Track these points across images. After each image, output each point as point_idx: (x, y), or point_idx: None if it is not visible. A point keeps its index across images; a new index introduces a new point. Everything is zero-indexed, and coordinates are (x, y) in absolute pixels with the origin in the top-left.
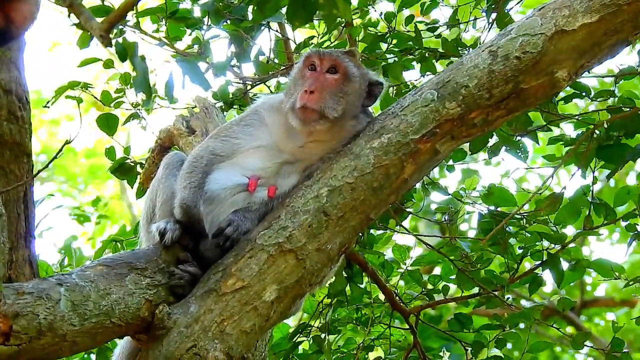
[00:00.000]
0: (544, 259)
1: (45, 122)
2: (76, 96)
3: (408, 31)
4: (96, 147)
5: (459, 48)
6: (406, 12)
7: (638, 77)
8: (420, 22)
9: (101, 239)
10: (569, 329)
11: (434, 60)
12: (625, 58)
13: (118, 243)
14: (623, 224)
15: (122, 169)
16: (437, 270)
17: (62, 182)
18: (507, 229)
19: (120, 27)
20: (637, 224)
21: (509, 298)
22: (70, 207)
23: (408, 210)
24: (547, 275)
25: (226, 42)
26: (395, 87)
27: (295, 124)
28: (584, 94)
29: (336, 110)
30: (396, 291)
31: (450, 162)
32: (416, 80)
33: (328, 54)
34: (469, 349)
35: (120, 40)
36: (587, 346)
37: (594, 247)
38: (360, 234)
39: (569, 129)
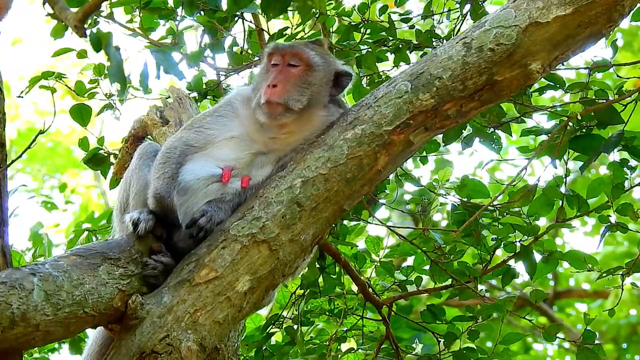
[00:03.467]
0: (516, 251)
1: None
2: (50, 86)
3: (382, 21)
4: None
5: (433, 39)
6: (380, 3)
7: (614, 69)
8: (394, 12)
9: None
10: (542, 320)
11: (407, 52)
12: (601, 50)
13: (91, 232)
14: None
15: (96, 160)
16: (409, 261)
17: (37, 170)
18: (480, 220)
19: (95, 17)
20: (610, 216)
21: (481, 289)
22: (42, 194)
23: (381, 201)
24: (520, 267)
25: (200, 32)
26: (368, 77)
27: (262, 119)
28: (557, 85)
29: (300, 101)
30: (369, 282)
31: (424, 154)
32: (389, 70)
33: (287, 47)
34: (442, 340)
35: (94, 30)
36: (559, 338)
37: (567, 238)
38: (334, 225)
39: (543, 121)
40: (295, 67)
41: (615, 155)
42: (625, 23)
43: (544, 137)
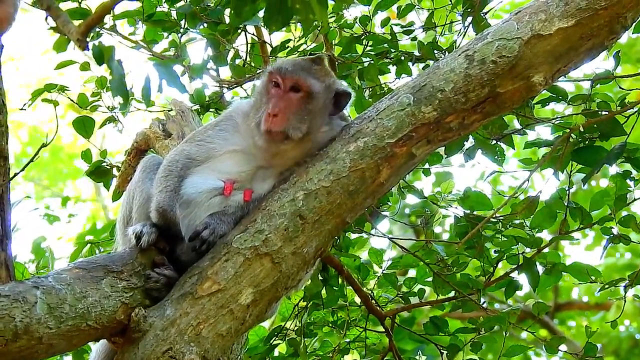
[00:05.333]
0: (519, 263)
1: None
2: (52, 99)
3: (384, 33)
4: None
5: (435, 51)
6: (382, 15)
7: (617, 81)
8: (396, 24)
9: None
10: (542, 332)
11: (409, 63)
12: (603, 62)
13: (93, 245)
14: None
15: (98, 172)
16: (411, 273)
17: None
18: (482, 232)
19: (97, 30)
20: (613, 227)
21: (484, 302)
22: (45, 204)
23: (384, 213)
24: (522, 279)
25: (203, 45)
26: (370, 90)
27: (260, 144)
28: (560, 97)
29: (300, 129)
30: (372, 294)
31: (426, 166)
32: (391, 82)
33: (290, 74)
34: (445, 352)
35: (97, 43)
36: (561, 351)
37: (568, 251)
38: (336, 237)
39: (545, 133)
40: (296, 94)
41: (617, 167)
42: (624, 37)
43: (545, 150)
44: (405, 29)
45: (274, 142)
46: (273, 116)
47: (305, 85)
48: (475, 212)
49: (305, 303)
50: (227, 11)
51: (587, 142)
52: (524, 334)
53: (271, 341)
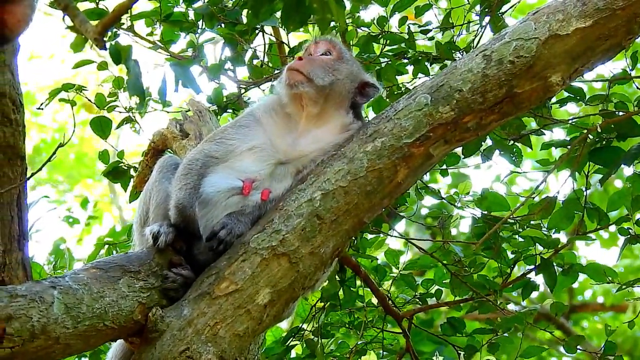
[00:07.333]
0: (537, 264)
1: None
2: (70, 99)
3: (401, 33)
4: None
5: (452, 51)
6: (399, 15)
7: (630, 82)
8: (413, 24)
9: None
10: (557, 333)
11: (427, 63)
12: (619, 62)
13: (111, 246)
14: (612, 228)
15: (115, 173)
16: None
17: (55, 181)
18: (500, 233)
19: (114, 30)
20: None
21: (500, 303)
22: (60, 203)
23: (401, 214)
24: (539, 280)
25: (220, 45)
26: (387, 89)
27: (284, 93)
28: (577, 98)
29: (323, 79)
30: (389, 295)
31: (444, 167)
32: (409, 82)
33: (324, 38)
34: (462, 353)
35: (114, 43)
36: (580, 350)
37: (583, 252)
38: (354, 238)
39: (561, 134)
40: (326, 55)
41: (633, 168)
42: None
43: (560, 150)
44: (422, 28)
45: (293, 81)
46: (299, 59)
47: (337, 48)
48: (492, 213)
49: (322, 304)
50: (245, 11)
51: (604, 143)
52: (538, 336)
53: (288, 342)
